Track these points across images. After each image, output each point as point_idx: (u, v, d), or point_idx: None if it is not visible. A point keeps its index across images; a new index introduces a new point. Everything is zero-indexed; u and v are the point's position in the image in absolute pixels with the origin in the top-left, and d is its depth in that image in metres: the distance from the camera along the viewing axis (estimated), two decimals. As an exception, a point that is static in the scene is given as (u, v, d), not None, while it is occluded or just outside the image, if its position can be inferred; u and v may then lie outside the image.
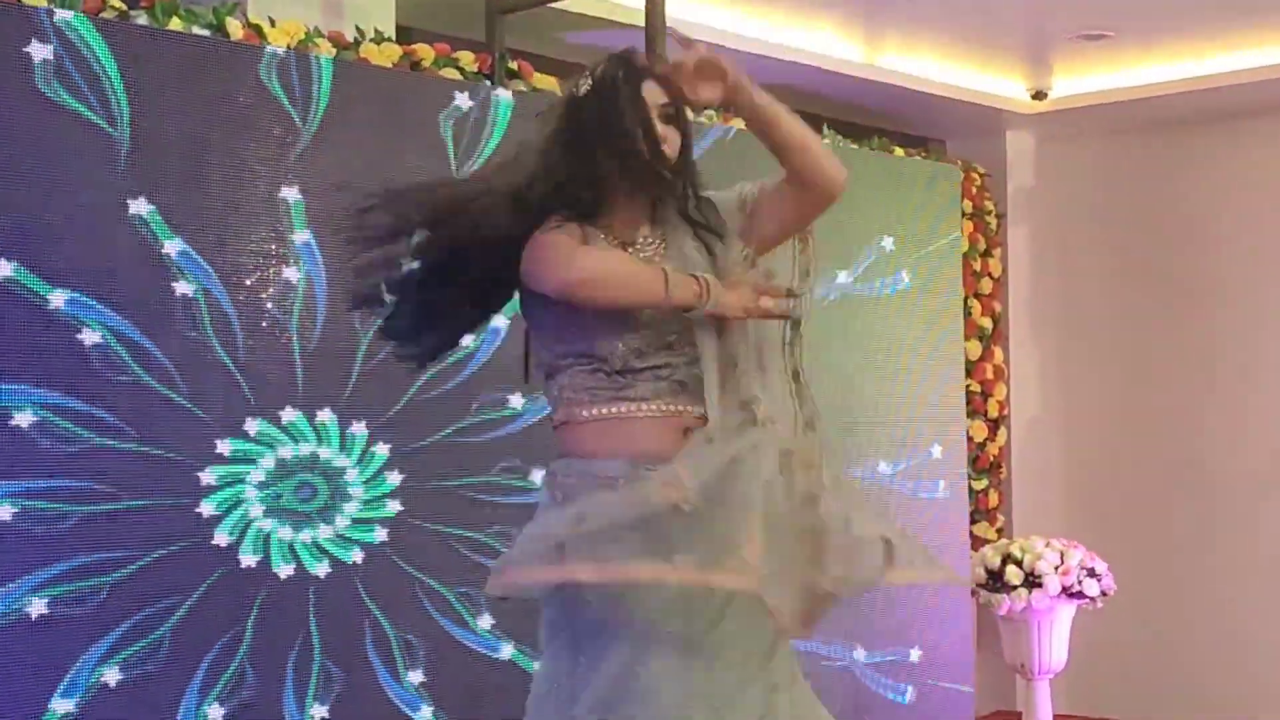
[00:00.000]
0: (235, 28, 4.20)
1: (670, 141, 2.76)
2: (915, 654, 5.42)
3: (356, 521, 3.98)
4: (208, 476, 3.73)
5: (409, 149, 4.12)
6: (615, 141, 2.70)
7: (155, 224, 3.64)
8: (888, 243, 5.42)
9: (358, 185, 3.89)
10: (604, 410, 2.71)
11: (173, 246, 3.67)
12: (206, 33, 4.10)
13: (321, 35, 4.47)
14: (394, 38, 4.84)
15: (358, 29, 4.64)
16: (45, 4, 3.73)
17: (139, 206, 3.61)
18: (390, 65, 4.55)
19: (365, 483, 4.01)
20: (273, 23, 4.35)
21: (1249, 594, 6.97)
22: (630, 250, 2.75)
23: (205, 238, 3.72)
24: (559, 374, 2.75)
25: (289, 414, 3.88)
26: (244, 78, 3.83)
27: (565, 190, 2.72)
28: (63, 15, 3.53)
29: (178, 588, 3.67)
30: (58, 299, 3.50)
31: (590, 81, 2.76)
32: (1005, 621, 6.26)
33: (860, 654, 5.24)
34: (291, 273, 3.87)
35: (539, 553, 2.63)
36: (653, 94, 2.75)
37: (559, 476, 2.75)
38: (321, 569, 3.91)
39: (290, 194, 3.87)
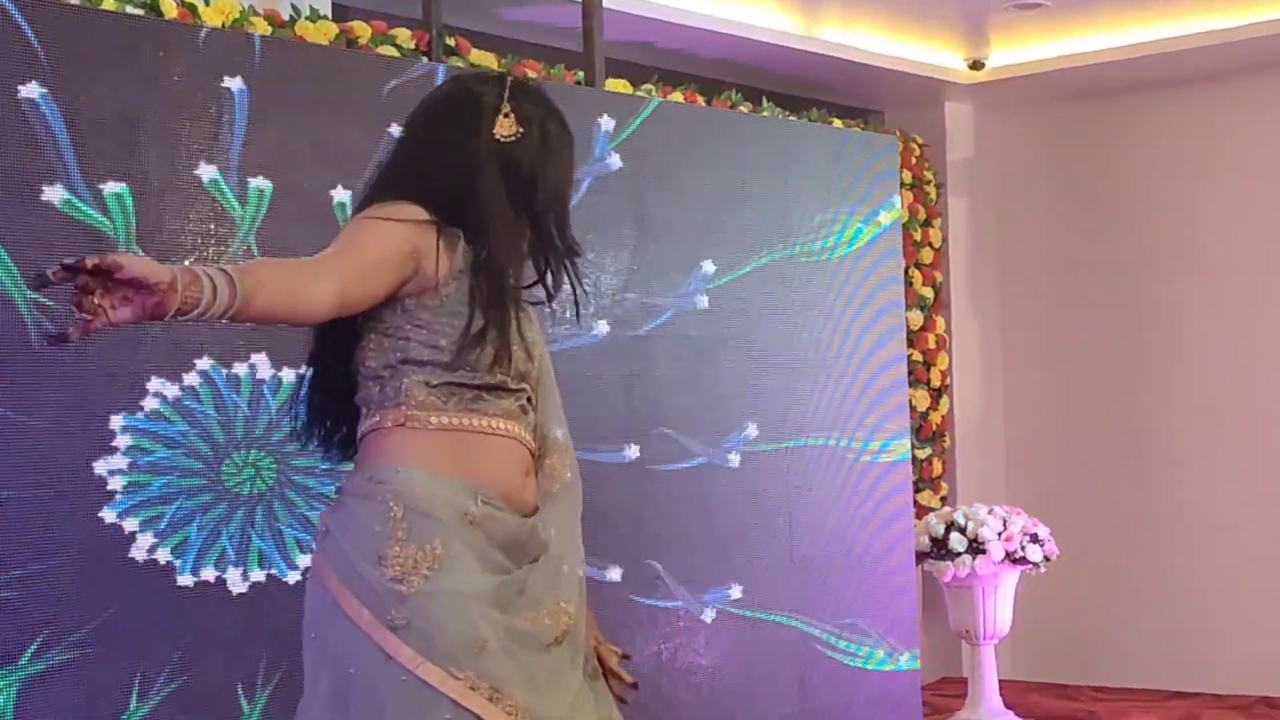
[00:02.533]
0: (169, 6, 4.17)
1: None
2: (860, 622, 5.46)
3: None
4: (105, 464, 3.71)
5: (347, 127, 4.09)
6: (546, 189, 2.61)
7: (87, 204, 3.61)
8: (827, 214, 5.43)
9: (296, 163, 3.92)
10: (455, 420, 2.52)
11: (109, 226, 3.64)
12: (140, 12, 4.07)
13: (257, 13, 4.44)
14: (330, 15, 4.81)
15: (293, 7, 4.62)
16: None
17: (75, 185, 3.58)
18: (326, 43, 4.52)
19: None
20: (207, 1, 4.32)
21: (1189, 556, 7.06)
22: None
23: (143, 218, 3.69)
24: (398, 377, 2.53)
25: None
26: (178, 56, 3.79)
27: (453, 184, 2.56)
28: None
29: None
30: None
31: (525, 108, 2.61)
32: (950, 589, 6.31)
33: (806, 622, 5.27)
34: (233, 250, 3.85)
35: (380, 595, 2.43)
36: None
37: (389, 483, 2.47)
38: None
39: (227, 173, 3.84)
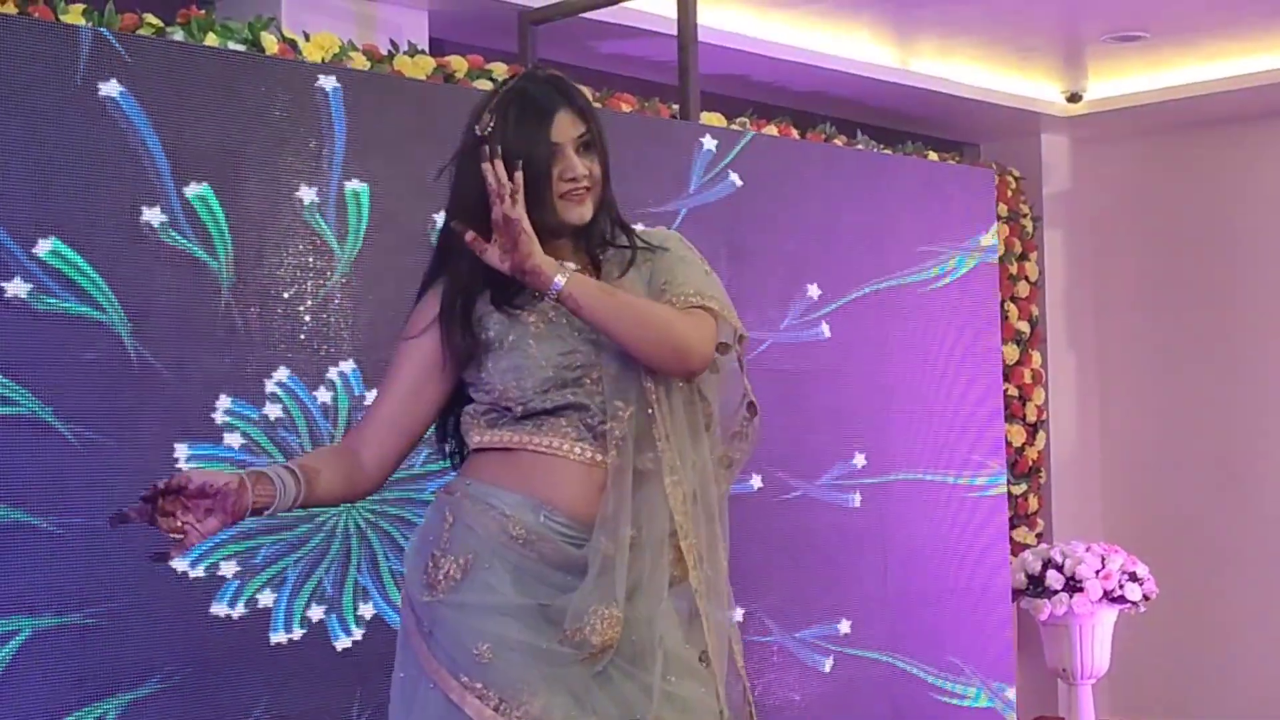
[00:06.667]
0: (270, 42, 4.23)
1: (590, 173, 2.54)
2: (955, 659, 5.40)
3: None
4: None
5: (444, 161, 4.11)
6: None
7: (186, 237, 3.66)
8: (922, 247, 5.40)
9: (394, 197, 3.95)
10: (494, 436, 2.52)
11: (212, 259, 3.69)
12: (242, 48, 4.13)
13: (356, 48, 4.49)
14: (427, 50, 4.86)
15: (391, 42, 4.67)
16: (85, 22, 3.76)
17: (177, 219, 3.63)
18: (424, 77, 4.56)
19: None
20: (307, 37, 4.38)
21: (1292, 596, 6.93)
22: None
23: (242, 251, 3.73)
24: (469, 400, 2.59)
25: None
26: (280, 92, 3.83)
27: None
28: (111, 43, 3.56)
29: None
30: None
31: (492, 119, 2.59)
32: (1047, 627, 6.24)
33: (900, 659, 5.22)
34: (332, 284, 3.88)
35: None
36: (566, 127, 2.53)
37: (456, 494, 2.53)
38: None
39: (326, 207, 3.88)
